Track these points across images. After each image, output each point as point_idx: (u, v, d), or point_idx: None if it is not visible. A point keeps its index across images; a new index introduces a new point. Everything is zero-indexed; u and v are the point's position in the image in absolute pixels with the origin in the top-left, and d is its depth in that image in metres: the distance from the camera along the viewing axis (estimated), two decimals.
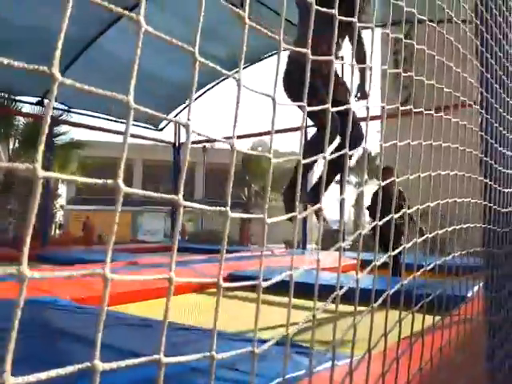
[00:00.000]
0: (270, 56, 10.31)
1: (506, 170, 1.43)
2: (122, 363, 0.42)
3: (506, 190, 1.43)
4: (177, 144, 11.78)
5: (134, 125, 11.20)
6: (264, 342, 0.67)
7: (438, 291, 1.00)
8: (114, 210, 0.44)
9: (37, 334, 2.42)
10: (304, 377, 1.56)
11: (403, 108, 0.88)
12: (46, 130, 0.39)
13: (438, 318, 1.00)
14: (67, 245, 11.69)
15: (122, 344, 2.23)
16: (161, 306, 0.46)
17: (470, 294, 1.17)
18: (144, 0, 0.46)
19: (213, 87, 11.04)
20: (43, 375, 0.38)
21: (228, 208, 0.50)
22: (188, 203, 0.50)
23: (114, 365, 0.41)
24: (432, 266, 0.95)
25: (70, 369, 0.40)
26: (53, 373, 0.39)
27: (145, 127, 11.57)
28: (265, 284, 0.54)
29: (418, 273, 0.91)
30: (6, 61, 0.37)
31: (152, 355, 0.45)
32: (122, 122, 10.69)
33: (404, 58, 1.05)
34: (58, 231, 20.98)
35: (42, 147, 0.39)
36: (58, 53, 0.39)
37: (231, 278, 4.87)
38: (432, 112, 0.96)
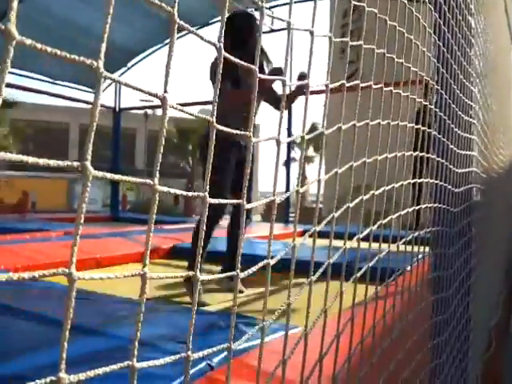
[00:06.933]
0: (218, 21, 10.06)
1: (459, 150, 1.46)
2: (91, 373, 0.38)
3: (459, 171, 1.47)
4: (117, 109, 11.27)
5: (68, 86, 10.53)
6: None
7: (378, 261, 1.01)
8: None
9: None
10: (254, 347, 1.55)
11: (349, 84, 0.86)
12: None
13: (380, 287, 1.02)
14: None
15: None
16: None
17: (413, 266, 1.20)
18: None
19: (159, 49, 10.59)
20: None
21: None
22: (165, 188, 0.46)
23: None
24: (365, 234, 0.96)
25: None
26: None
27: (80, 89, 10.85)
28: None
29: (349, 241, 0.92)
30: None
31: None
32: (54, 83, 10.00)
33: (351, 31, 1.04)
34: None
35: None
36: None
37: (175, 250, 4.80)
38: (380, 86, 0.96)
